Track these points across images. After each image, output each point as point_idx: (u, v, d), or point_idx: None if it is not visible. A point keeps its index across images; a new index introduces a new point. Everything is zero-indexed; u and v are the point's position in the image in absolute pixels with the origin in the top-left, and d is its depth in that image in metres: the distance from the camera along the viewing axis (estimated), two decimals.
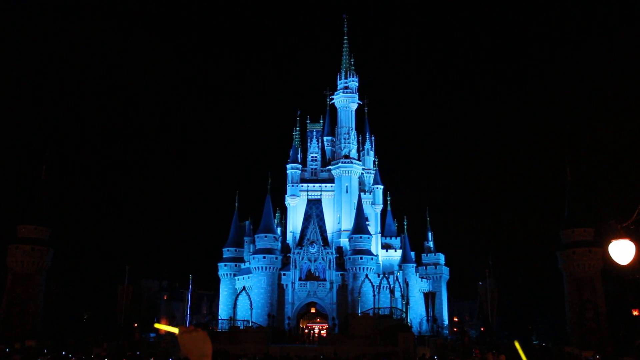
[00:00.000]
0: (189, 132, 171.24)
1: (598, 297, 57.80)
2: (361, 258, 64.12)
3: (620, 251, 6.97)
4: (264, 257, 64.46)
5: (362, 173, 75.17)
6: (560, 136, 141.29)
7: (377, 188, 75.11)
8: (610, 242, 7.13)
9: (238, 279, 68.51)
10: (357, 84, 76.59)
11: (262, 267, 64.37)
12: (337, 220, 71.67)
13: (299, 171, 73.82)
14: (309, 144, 75.85)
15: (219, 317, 67.18)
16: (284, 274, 65.08)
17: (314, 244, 64.79)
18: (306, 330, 63.54)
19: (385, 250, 72.46)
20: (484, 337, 59.64)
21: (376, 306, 59.75)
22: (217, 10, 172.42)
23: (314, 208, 70.78)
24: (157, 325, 3.21)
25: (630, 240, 7.00)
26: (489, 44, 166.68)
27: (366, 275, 63.25)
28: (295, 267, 64.18)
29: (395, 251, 72.05)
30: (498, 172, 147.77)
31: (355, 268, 64.12)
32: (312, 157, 75.27)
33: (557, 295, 64.49)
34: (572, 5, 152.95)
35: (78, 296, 78.82)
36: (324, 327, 62.93)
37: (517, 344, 3.22)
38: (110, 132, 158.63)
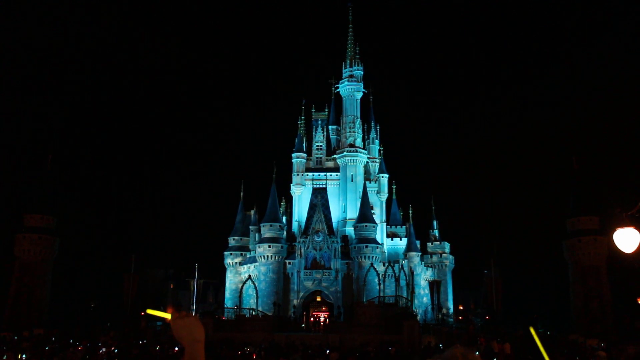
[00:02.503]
0: (194, 122, 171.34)
1: (603, 285, 57.73)
2: (366, 247, 64.26)
3: (625, 239, 6.97)
4: (270, 246, 64.66)
5: (367, 162, 75.23)
6: (566, 125, 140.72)
7: (383, 177, 75.07)
8: (615, 230, 7.13)
9: (244, 268, 68.82)
10: (362, 73, 76.47)
11: (267, 256, 64.62)
12: (342, 209, 71.78)
13: (304, 160, 73.86)
14: (314, 133, 75.82)
15: (225, 306, 67.58)
16: (290, 263, 65.32)
17: (319, 233, 64.92)
18: (312, 319, 63.77)
19: (390, 238, 72.60)
20: (489, 325, 59.72)
21: (381, 295, 59.95)
22: None
23: (319, 197, 70.85)
24: (149, 312, 3.18)
25: (635, 228, 6.99)
26: (498, 32, 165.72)
27: (371, 264, 63.38)
28: (301, 255, 64.38)
29: (401, 240, 72.17)
30: (504, 160, 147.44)
31: (361, 257, 64.29)
32: (317, 146, 75.28)
33: (562, 283, 64.50)
34: (580, 2, 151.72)
35: (85, 285, 79.39)
36: (327, 316, 63.11)
37: (532, 330, 3.22)
38: (115, 122, 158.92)
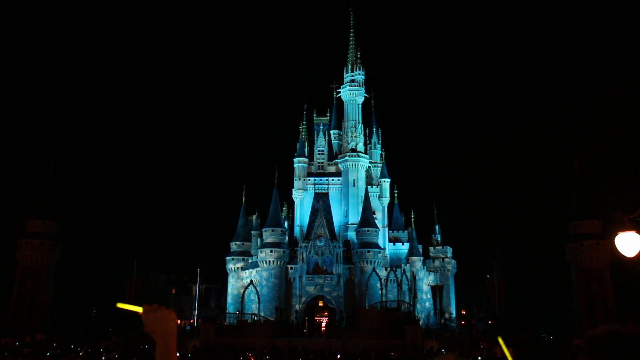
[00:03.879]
0: (195, 127, 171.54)
1: (606, 289, 57.58)
2: (368, 251, 64.12)
3: (627, 243, 6.91)
4: (272, 251, 64.56)
5: (369, 166, 75.11)
6: (568, 128, 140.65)
7: (384, 181, 74.98)
8: (617, 234, 7.07)
9: (246, 273, 68.69)
10: (363, 77, 76.45)
11: (269, 261, 64.53)
12: (344, 213, 71.68)
13: (306, 165, 73.79)
14: (315, 138, 75.77)
15: (227, 311, 67.44)
16: (292, 268, 65.20)
17: (321, 238, 64.83)
18: (315, 324, 63.60)
19: (392, 243, 72.43)
20: (492, 330, 59.56)
21: (383, 299, 59.75)
22: (225, 3, 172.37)
23: (321, 202, 70.78)
24: (119, 305, 3.10)
25: (637, 232, 6.93)
26: (498, 35, 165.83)
27: (373, 269, 63.26)
28: (303, 260, 64.26)
29: (403, 244, 71.98)
30: (506, 164, 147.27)
31: (363, 261, 64.15)
32: (318, 150, 75.21)
33: (565, 287, 64.33)
34: (581, 3, 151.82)
35: (87, 290, 79.38)
36: (327, 321, 62.92)
37: (500, 340, 3.15)
38: (117, 126, 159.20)
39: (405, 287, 63.75)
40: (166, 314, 2.85)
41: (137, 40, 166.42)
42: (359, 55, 77.29)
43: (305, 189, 72.87)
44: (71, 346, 34.59)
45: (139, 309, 2.87)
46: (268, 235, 65.95)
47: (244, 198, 74.38)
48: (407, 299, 62.41)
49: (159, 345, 2.83)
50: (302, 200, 72.86)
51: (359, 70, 76.35)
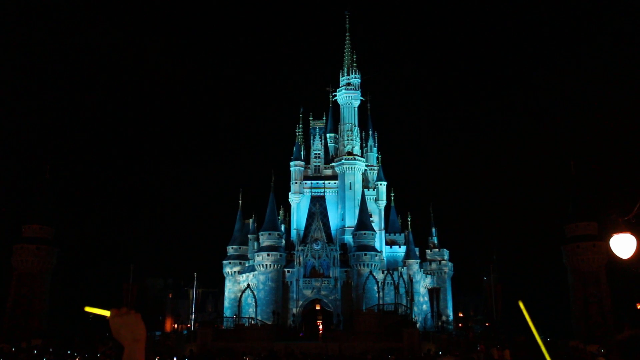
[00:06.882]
0: (192, 131, 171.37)
1: (603, 291, 57.68)
2: (365, 254, 64.16)
3: (622, 245, 6.98)
4: (268, 255, 64.56)
5: (365, 169, 75.25)
6: (564, 130, 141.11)
7: (381, 184, 75.09)
8: (612, 236, 7.13)
9: (242, 277, 68.68)
10: (359, 81, 76.62)
11: (266, 265, 64.52)
12: (340, 216, 71.74)
13: (303, 168, 73.86)
14: (312, 141, 75.92)
15: (224, 315, 67.35)
16: (288, 271, 65.20)
17: (318, 241, 64.86)
18: (312, 328, 63.49)
19: (389, 246, 72.52)
20: (489, 332, 59.58)
21: (380, 302, 59.81)
22: (220, 6, 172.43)
23: (317, 205, 70.82)
24: (87, 309, 3.03)
25: (632, 234, 7.00)
26: (494, 38, 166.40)
27: (370, 272, 63.30)
28: (300, 264, 64.28)
29: (400, 247, 72.07)
30: (502, 167, 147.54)
31: (360, 265, 64.19)
32: (315, 154, 75.31)
33: (562, 289, 64.42)
34: (578, 3, 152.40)
35: (83, 295, 78.99)
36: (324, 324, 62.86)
37: (521, 304, 3.21)
38: (113, 130, 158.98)
39: (402, 290, 63.81)
40: (134, 318, 2.80)
41: (135, 44, 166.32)
42: (354, 59, 77.50)
43: (301, 193, 72.93)
44: (68, 351, 34.48)
45: (107, 313, 2.83)
46: (265, 239, 65.94)
47: (240, 202, 74.49)
48: (404, 302, 62.45)
49: (126, 352, 2.78)
50: (299, 203, 72.91)
51: (355, 73, 76.56)
